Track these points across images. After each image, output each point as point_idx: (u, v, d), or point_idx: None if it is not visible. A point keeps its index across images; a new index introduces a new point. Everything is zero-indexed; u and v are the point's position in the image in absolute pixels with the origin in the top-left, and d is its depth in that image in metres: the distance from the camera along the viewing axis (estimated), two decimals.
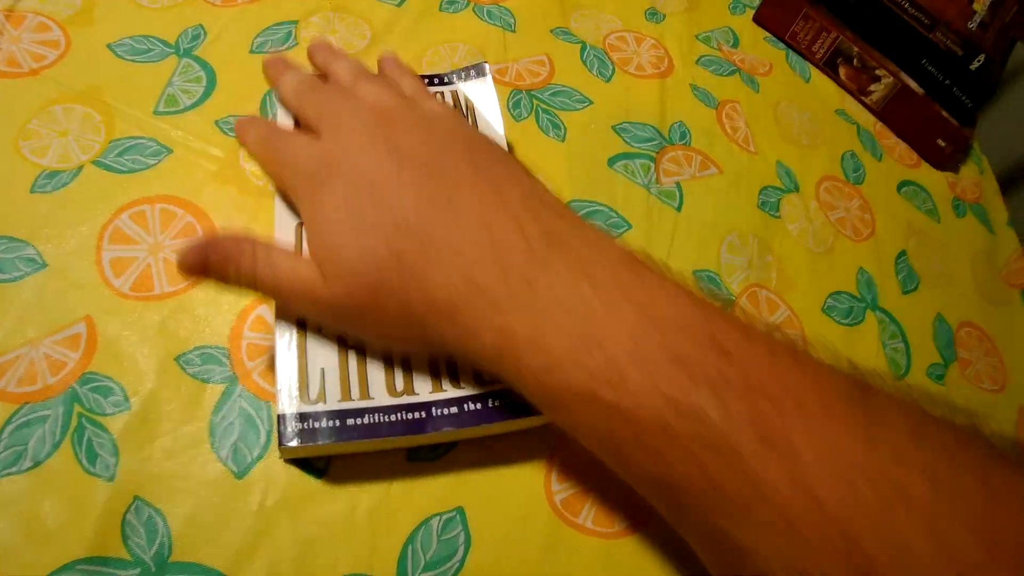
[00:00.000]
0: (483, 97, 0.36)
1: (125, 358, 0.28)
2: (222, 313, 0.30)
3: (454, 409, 0.26)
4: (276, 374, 0.25)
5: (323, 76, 0.31)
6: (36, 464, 0.25)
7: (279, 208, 0.29)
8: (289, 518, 0.26)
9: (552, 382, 0.21)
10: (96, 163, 0.33)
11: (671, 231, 0.39)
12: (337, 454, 0.27)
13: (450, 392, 0.27)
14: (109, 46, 0.37)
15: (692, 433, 0.19)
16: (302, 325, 0.27)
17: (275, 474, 0.27)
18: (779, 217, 0.42)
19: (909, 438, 0.19)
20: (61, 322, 0.28)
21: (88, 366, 0.28)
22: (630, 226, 0.38)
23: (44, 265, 0.29)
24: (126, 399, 0.27)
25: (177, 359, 0.28)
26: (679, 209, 0.40)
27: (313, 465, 0.27)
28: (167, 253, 0.31)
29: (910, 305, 0.42)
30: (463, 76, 0.37)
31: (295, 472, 0.27)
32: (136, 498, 0.25)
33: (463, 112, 0.35)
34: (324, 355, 0.26)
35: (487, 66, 0.36)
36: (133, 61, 0.37)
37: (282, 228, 0.29)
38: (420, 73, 0.36)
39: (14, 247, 0.30)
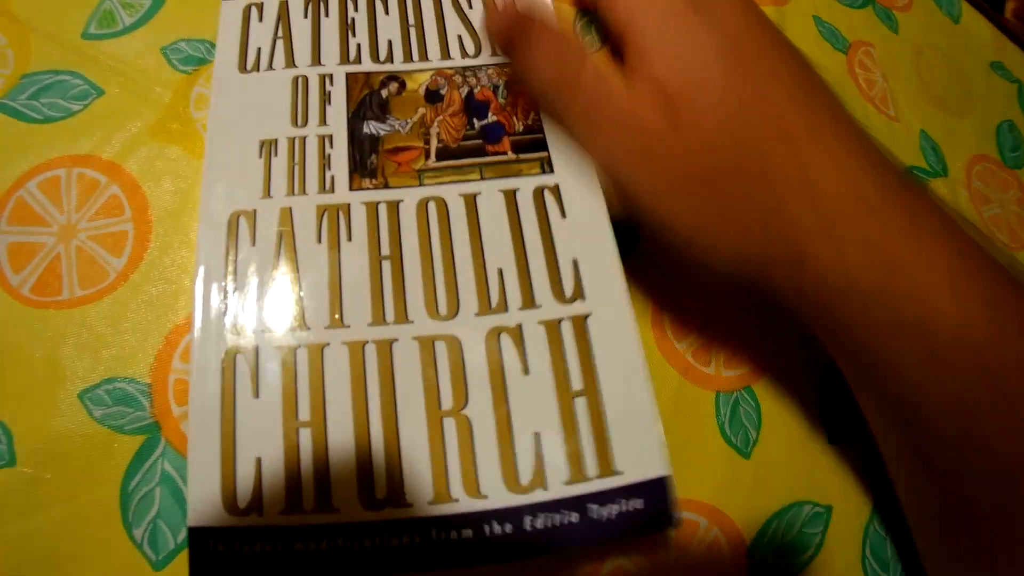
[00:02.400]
0: None
1: (13, 389, 0.21)
2: (147, 331, 0.22)
3: (467, 532, 0.17)
4: (187, 458, 0.17)
5: None
6: None
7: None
8: None
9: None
10: (0, 107, 0.24)
11: None
12: None
13: (464, 504, 0.17)
14: None
15: None
16: (229, 373, 0.18)
17: None
18: None
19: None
20: None
21: None
22: None
23: None
24: (10, 449, 0.20)
25: (82, 395, 0.21)
26: None
27: None
28: (82, 240, 0.23)
29: None
30: None
31: None
32: None
33: None
34: (263, 431, 0.18)
35: None
36: None
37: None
38: None
39: None
